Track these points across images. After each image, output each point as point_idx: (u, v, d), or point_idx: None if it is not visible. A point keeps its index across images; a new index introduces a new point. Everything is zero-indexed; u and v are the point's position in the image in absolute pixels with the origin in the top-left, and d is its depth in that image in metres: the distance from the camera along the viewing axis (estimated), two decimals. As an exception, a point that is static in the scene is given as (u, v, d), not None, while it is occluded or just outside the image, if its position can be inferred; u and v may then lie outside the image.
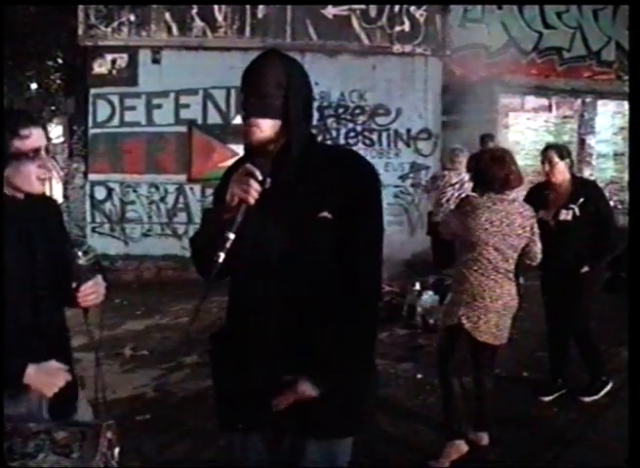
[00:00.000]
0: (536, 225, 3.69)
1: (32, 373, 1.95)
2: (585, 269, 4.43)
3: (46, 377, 1.98)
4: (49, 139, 2.06)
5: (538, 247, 3.70)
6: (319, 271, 1.87)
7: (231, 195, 1.78)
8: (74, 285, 1.96)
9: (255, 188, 1.76)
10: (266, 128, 1.85)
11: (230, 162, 2.11)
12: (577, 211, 4.45)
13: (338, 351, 1.87)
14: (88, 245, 1.97)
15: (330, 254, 1.87)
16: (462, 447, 3.69)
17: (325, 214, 1.84)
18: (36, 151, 1.97)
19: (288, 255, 1.85)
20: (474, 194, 3.77)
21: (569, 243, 4.12)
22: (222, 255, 1.74)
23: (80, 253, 1.93)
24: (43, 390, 1.98)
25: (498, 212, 3.57)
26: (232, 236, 1.75)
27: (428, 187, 7.86)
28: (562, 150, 4.62)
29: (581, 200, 4.48)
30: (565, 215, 4.46)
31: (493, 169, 3.60)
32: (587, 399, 4.55)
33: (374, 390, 2.08)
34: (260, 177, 1.77)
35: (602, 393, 4.57)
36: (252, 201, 1.76)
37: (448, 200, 6.99)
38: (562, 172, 4.52)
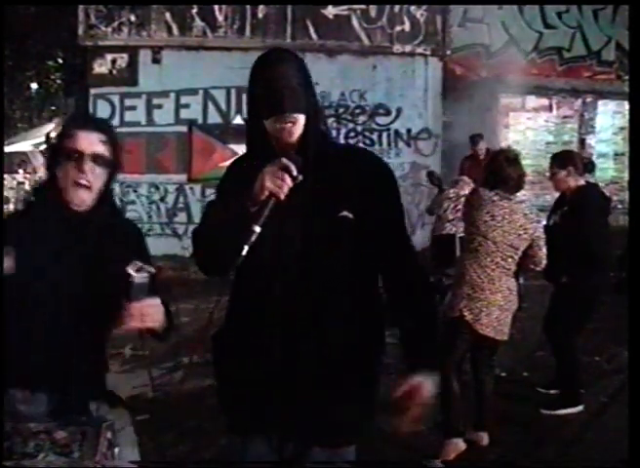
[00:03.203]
0: (540, 230, 3.71)
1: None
2: (564, 280, 4.34)
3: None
4: (114, 150, 1.99)
5: (542, 252, 3.72)
6: (335, 271, 1.84)
7: (261, 188, 1.73)
8: (125, 302, 1.80)
9: (288, 184, 1.72)
10: (302, 123, 1.82)
11: (230, 162, 2.09)
12: (556, 219, 4.44)
13: (433, 332, 1.95)
14: (142, 263, 1.81)
15: (348, 254, 1.85)
16: (460, 445, 3.70)
17: (345, 213, 1.82)
18: (77, 153, 1.92)
19: (305, 254, 1.82)
20: (483, 188, 3.80)
21: (549, 250, 4.00)
22: (247, 248, 1.70)
23: (132, 271, 1.78)
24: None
25: (502, 207, 3.61)
26: (258, 229, 1.70)
27: (433, 207, 7.70)
28: (564, 159, 4.55)
29: (565, 209, 4.44)
30: (551, 222, 4.44)
31: (508, 170, 3.66)
32: (546, 412, 4.35)
33: (376, 395, 2.07)
34: (295, 173, 1.73)
35: (564, 411, 4.31)
36: (283, 196, 1.73)
37: (445, 211, 6.92)
38: (562, 180, 4.49)
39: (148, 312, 1.79)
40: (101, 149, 1.96)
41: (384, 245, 1.90)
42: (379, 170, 1.94)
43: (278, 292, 1.84)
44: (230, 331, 1.97)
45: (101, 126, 2.03)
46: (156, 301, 1.82)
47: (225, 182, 2.00)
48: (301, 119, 1.82)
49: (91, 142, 1.94)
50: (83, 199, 1.94)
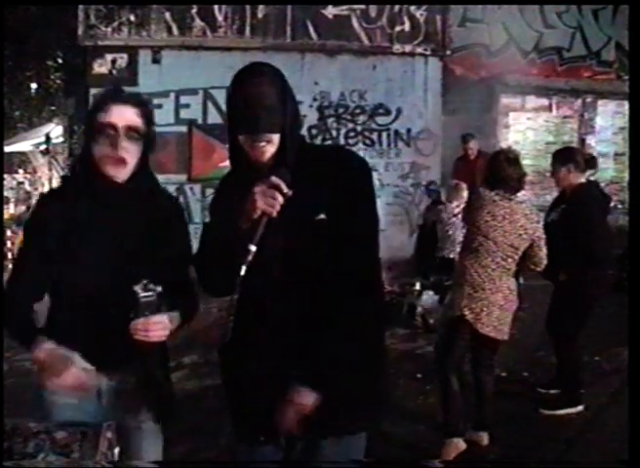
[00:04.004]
0: (541, 231, 3.71)
1: (45, 349, 1.82)
2: (563, 277, 4.33)
3: (50, 362, 1.81)
4: (148, 122, 2.00)
5: (543, 253, 3.72)
6: (323, 276, 1.85)
7: (253, 208, 1.75)
8: (131, 317, 1.88)
9: (279, 201, 1.74)
10: (276, 141, 1.84)
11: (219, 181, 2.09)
12: (555, 216, 4.45)
13: (336, 349, 1.83)
14: (147, 281, 1.87)
15: (330, 256, 1.85)
16: (460, 444, 3.70)
17: (322, 216, 1.83)
18: (111, 127, 1.93)
19: (289, 264, 1.84)
20: (484, 188, 3.81)
21: (547, 248, 3.97)
22: (245, 268, 1.72)
23: (138, 289, 1.85)
24: (44, 377, 1.83)
25: (502, 207, 3.62)
26: (254, 248, 1.73)
27: (429, 217, 7.45)
28: (565, 156, 4.56)
29: (563, 206, 4.45)
30: (549, 219, 4.44)
31: (508, 170, 3.67)
32: (546, 412, 4.35)
33: (385, 386, 2.08)
34: (286, 190, 1.75)
35: (564, 411, 4.33)
36: (275, 214, 1.75)
37: (457, 229, 6.73)
38: (562, 177, 4.50)
39: (153, 328, 1.87)
40: (135, 122, 1.97)
41: (343, 245, 1.84)
42: (348, 167, 1.92)
43: (271, 301, 1.86)
44: (235, 344, 1.99)
45: (134, 98, 2.04)
46: (161, 318, 1.89)
47: (217, 202, 2.03)
48: (276, 138, 1.83)
49: (124, 116, 1.95)
50: (120, 171, 1.96)
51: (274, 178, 1.75)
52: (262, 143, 1.82)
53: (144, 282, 1.85)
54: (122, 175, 1.97)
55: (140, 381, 2.00)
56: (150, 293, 1.85)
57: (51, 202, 2.05)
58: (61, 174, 11.39)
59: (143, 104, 2.02)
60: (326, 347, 1.82)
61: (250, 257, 1.73)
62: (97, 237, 1.97)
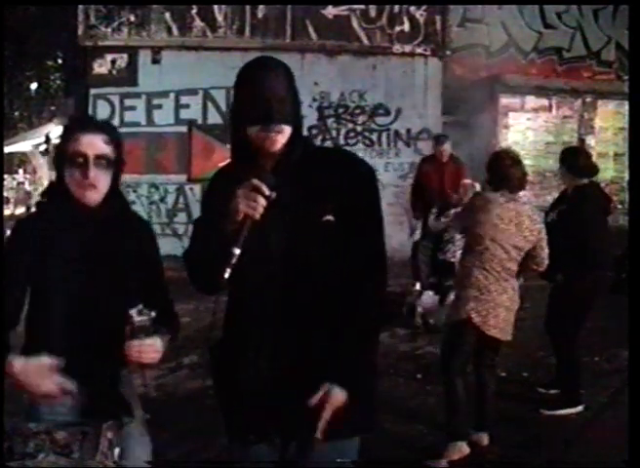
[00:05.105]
0: (544, 232, 3.71)
1: (17, 366, 1.84)
2: (560, 278, 4.32)
3: (30, 374, 1.84)
4: (117, 149, 2.05)
5: (545, 252, 3.73)
6: (324, 276, 1.85)
7: (236, 210, 1.75)
8: (126, 340, 1.95)
9: (261, 204, 1.74)
10: (287, 134, 1.83)
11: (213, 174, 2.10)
12: (554, 216, 4.46)
13: (355, 349, 1.86)
14: (142, 306, 1.95)
15: (336, 257, 1.85)
16: (464, 448, 3.69)
17: (329, 217, 1.83)
18: (81, 156, 1.97)
19: (291, 262, 1.84)
20: (488, 190, 3.82)
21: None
22: (229, 271, 1.72)
23: (133, 313, 1.93)
24: (27, 389, 1.85)
25: (509, 210, 3.62)
26: (238, 251, 1.73)
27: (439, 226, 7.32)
28: (562, 156, 4.58)
29: (563, 207, 4.46)
30: (549, 219, 4.46)
31: (511, 169, 3.68)
32: (546, 412, 4.34)
33: (375, 389, 2.08)
34: (268, 193, 1.74)
35: (564, 412, 4.32)
36: (258, 216, 1.74)
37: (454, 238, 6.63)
38: (562, 177, 4.57)
39: (146, 350, 1.95)
40: (105, 150, 2.00)
41: (352, 247, 1.86)
42: (356, 171, 1.93)
43: (269, 300, 1.86)
44: (227, 343, 1.99)
45: (103, 126, 2.07)
46: (155, 341, 1.97)
47: (209, 197, 2.05)
48: (287, 129, 1.83)
49: (94, 145, 1.98)
50: (91, 198, 2.01)
51: (255, 181, 1.75)
52: (274, 133, 1.81)
53: (140, 307, 1.93)
54: (93, 200, 2.01)
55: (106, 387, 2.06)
56: (145, 318, 1.94)
57: (27, 228, 2.09)
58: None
59: (112, 132, 2.08)
60: (346, 345, 1.85)
61: (234, 260, 1.72)
62: (72, 260, 2.01)
